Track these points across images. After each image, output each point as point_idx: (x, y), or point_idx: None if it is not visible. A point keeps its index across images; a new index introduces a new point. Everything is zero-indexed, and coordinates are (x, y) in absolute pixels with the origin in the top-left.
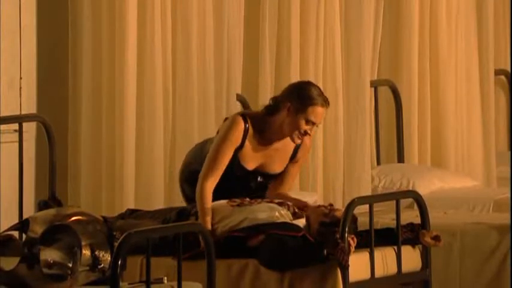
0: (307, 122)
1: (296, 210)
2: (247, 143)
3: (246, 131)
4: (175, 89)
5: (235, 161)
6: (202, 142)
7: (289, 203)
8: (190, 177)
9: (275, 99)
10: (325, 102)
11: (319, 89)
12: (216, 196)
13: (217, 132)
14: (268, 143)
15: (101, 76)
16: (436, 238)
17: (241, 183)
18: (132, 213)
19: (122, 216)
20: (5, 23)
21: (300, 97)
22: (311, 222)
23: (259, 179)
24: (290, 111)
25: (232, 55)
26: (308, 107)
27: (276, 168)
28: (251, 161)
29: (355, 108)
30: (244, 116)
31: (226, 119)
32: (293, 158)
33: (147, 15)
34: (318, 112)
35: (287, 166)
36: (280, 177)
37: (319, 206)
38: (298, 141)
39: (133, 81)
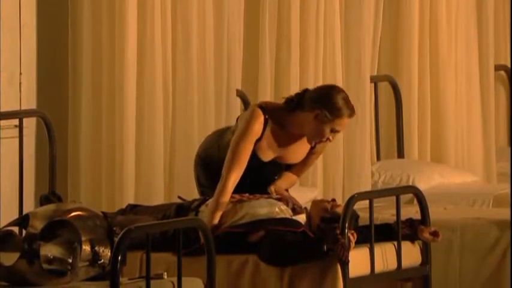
0: (332, 130)
1: (295, 206)
2: (265, 134)
3: (265, 123)
4: (175, 83)
5: (252, 152)
6: (222, 129)
7: (288, 199)
8: (205, 162)
9: (300, 96)
10: (353, 112)
11: (347, 96)
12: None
13: (237, 121)
14: (286, 136)
15: (101, 72)
16: (435, 234)
17: (254, 173)
18: (132, 208)
19: (122, 212)
20: (5, 18)
21: (330, 107)
22: (312, 216)
23: (273, 168)
24: (318, 118)
25: (232, 51)
26: (336, 119)
27: (293, 159)
28: (268, 153)
29: (355, 103)
30: (263, 107)
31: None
32: (312, 148)
33: (147, 12)
34: (344, 123)
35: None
36: (296, 165)
37: (321, 201)
38: (312, 145)
39: (133, 76)
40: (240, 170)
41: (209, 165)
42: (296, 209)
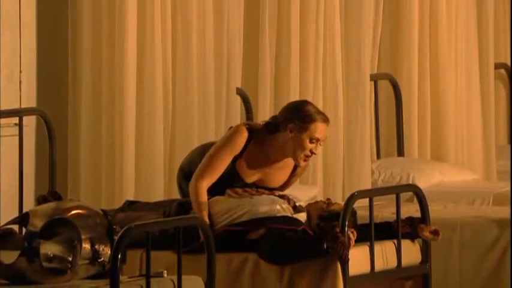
0: (312, 140)
1: (296, 204)
2: (246, 154)
3: (248, 142)
4: (175, 82)
5: (234, 171)
6: (206, 144)
7: (289, 196)
8: (188, 175)
9: (275, 118)
10: (326, 118)
11: (316, 106)
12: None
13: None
14: (267, 160)
15: (100, 70)
16: (435, 232)
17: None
18: (131, 204)
19: (121, 209)
20: (5, 16)
21: (300, 116)
22: (311, 216)
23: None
24: (293, 131)
25: (232, 49)
26: (310, 124)
27: (275, 183)
28: (250, 174)
29: (355, 101)
30: (249, 126)
31: (231, 127)
32: (293, 172)
33: (147, 9)
34: (320, 128)
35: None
36: (277, 189)
37: (316, 202)
38: (303, 164)
39: (133, 75)
40: (211, 178)
41: (191, 176)
42: (297, 207)
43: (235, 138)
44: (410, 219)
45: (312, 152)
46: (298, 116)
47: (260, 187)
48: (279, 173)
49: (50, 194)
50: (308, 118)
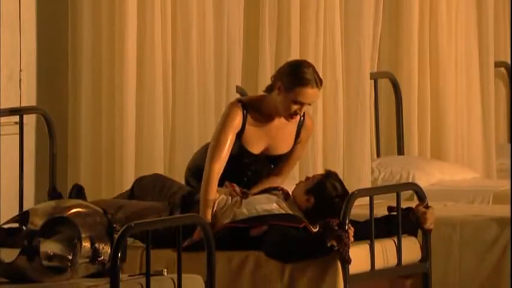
0: (295, 102)
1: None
2: (247, 127)
3: (244, 117)
4: (175, 81)
5: (241, 147)
6: (209, 143)
7: (283, 188)
8: (195, 172)
9: (272, 77)
10: (316, 83)
11: (313, 69)
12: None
13: None
14: (268, 121)
15: (100, 68)
16: (426, 206)
17: (250, 169)
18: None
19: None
20: (5, 14)
21: (290, 77)
22: (296, 196)
23: (267, 163)
24: (280, 90)
25: (232, 48)
26: (296, 88)
27: (282, 149)
28: (256, 144)
29: (355, 100)
30: (241, 101)
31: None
32: (297, 138)
33: (146, 8)
34: (306, 93)
35: (292, 147)
36: (285, 157)
37: (297, 184)
38: (291, 120)
39: (132, 73)
40: (221, 161)
41: (199, 172)
42: (289, 198)
43: (231, 118)
44: (409, 209)
45: (296, 113)
46: (288, 77)
47: (269, 156)
48: (283, 136)
49: (50, 192)
50: (296, 81)
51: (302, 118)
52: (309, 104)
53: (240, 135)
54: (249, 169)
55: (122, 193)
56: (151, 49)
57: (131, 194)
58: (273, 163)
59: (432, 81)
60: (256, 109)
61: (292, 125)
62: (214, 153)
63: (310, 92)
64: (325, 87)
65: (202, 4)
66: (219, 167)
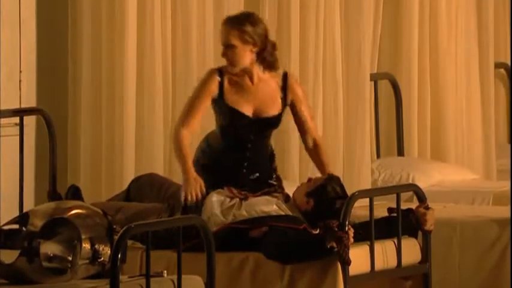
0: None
1: (290, 196)
2: (227, 89)
3: (221, 81)
4: (174, 83)
5: (230, 110)
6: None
7: (279, 189)
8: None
9: None
10: (225, 20)
11: (239, 14)
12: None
13: None
14: (246, 81)
15: (100, 69)
16: (426, 208)
17: (247, 134)
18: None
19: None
20: (4, 15)
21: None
22: (297, 199)
23: (262, 130)
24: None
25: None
26: None
27: (272, 110)
28: (243, 105)
29: (355, 101)
30: (218, 68)
31: None
32: (286, 102)
33: (146, 9)
34: (220, 31)
35: (295, 115)
36: (299, 127)
37: (298, 187)
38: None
39: (132, 74)
40: (192, 125)
41: (198, 165)
42: (289, 199)
43: (205, 83)
44: (409, 210)
45: (222, 55)
46: None
47: (263, 119)
48: (267, 96)
49: (50, 192)
50: None
51: (285, 79)
52: (228, 45)
53: (222, 98)
54: (248, 140)
55: (117, 194)
56: (151, 49)
57: (127, 194)
58: (268, 128)
59: (432, 82)
60: (233, 72)
61: (273, 83)
62: (183, 118)
63: (221, 29)
64: (325, 88)
65: (202, 4)
66: (187, 133)
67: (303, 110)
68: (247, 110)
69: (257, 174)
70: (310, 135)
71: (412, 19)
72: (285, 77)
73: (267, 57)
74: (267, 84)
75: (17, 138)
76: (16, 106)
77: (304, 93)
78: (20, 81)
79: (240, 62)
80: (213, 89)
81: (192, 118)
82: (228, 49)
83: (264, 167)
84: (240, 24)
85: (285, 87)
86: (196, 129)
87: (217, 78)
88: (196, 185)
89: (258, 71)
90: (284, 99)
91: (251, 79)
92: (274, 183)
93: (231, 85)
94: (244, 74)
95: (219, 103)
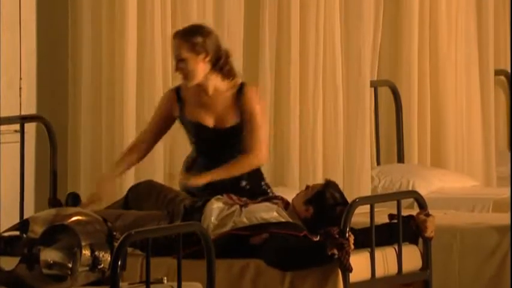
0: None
1: (288, 200)
2: (187, 103)
3: (179, 97)
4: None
5: (192, 123)
6: None
7: (278, 196)
8: None
9: None
10: (174, 33)
11: (192, 25)
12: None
13: None
14: (204, 94)
15: (100, 76)
16: (427, 215)
17: (213, 146)
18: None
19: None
20: (5, 23)
21: None
22: (296, 207)
23: (225, 138)
24: None
25: (232, 53)
26: None
27: (231, 119)
28: (205, 117)
29: (355, 108)
30: (176, 87)
31: None
32: (240, 107)
33: (147, 14)
34: (171, 46)
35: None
36: (242, 131)
37: (297, 194)
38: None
39: (133, 81)
40: (140, 136)
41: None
42: (289, 207)
43: (158, 104)
44: (410, 217)
45: (176, 69)
46: None
47: (224, 129)
48: (223, 106)
49: (50, 199)
50: None
51: (240, 87)
52: (181, 58)
53: (184, 114)
54: (217, 151)
55: (116, 201)
56: (152, 57)
57: (126, 202)
58: (231, 138)
59: (432, 89)
60: (189, 85)
61: (229, 94)
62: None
63: (174, 43)
64: (325, 94)
65: (202, 6)
66: (133, 146)
67: (247, 122)
68: (209, 122)
69: (244, 182)
70: (242, 146)
71: (412, 26)
72: (241, 87)
73: (222, 67)
74: (224, 94)
75: (18, 145)
76: (16, 113)
77: (256, 107)
78: (20, 88)
79: (194, 74)
80: (169, 108)
81: (142, 136)
82: (180, 63)
83: (243, 176)
84: (190, 36)
85: (239, 98)
86: (145, 148)
87: (174, 97)
88: (99, 190)
89: (215, 81)
90: (239, 106)
91: (207, 90)
92: (268, 190)
93: (190, 100)
94: (201, 86)
95: (183, 120)
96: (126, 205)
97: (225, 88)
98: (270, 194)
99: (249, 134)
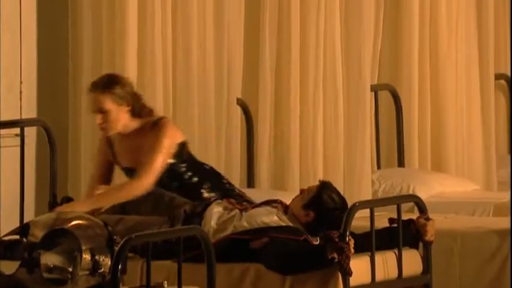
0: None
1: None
2: (116, 151)
3: (109, 141)
4: (175, 92)
5: (125, 169)
6: None
7: (277, 199)
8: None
9: None
10: (91, 86)
11: (103, 76)
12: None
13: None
14: (131, 135)
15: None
16: (427, 219)
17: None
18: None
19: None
20: (5, 27)
21: None
22: (295, 212)
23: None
24: None
25: (233, 59)
26: None
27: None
28: (131, 160)
29: (356, 112)
30: (106, 136)
31: None
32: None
33: (147, 20)
34: (88, 99)
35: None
36: None
37: (293, 199)
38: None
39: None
40: (92, 177)
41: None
42: (288, 211)
43: (97, 148)
44: (410, 221)
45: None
46: None
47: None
48: (148, 141)
49: (51, 203)
50: None
51: (155, 121)
52: (98, 111)
53: (117, 162)
54: (166, 185)
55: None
56: (152, 62)
57: (122, 205)
58: (168, 168)
59: (432, 93)
60: (112, 134)
61: (147, 132)
62: None
63: (89, 97)
64: (326, 99)
65: (203, 14)
66: (88, 189)
67: (150, 149)
68: (125, 163)
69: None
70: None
71: (413, 30)
72: (157, 121)
73: (140, 110)
74: (145, 134)
75: (18, 149)
76: (17, 117)
77: (164, 139)
78: (20, 91)
79: (118, 124)
80: (104, 154)
81: (92, 183)
82: (102, 114)
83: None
84: (109, 87)
85: (154, 130)
86: (95, 178)
87: (107, 144)
88: None
89: (135, 125)
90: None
91: (129, 135)
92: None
93: (118, 146)
94: (123, 133)
95: (117, 165)
96: (123, 209)
97: (144, 128)
98: (236, 191)
99: (146, 160)
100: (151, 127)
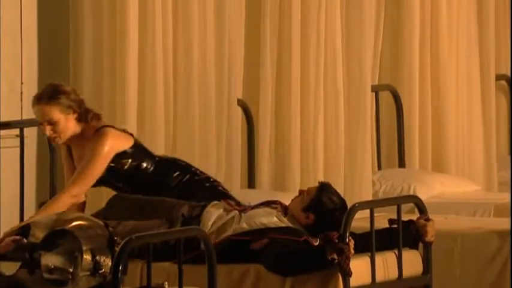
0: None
1: (286, 206)
2: (73, 153)
3: (67, 147)
4: (176, 93)
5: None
6: None
7: (276, 200)
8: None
9: None
10: (36, 99)
11: (48, 86)
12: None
13: None
14: (79, 145)
15: (102, 82)
16: (427, 219)
17: (118, 184)
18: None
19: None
20: (6, 28)
21: None
22: (295, 214)
23: (115, 173)
24: None
25: (233, 60)
26: None
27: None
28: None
29: (356, 113)
30: (64, 143)
31: None
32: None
33: (148, 20)
34: (35, 112)
35: None
36: None
37: (292, 200)
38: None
39: (134, 86)
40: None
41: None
42: (288, 211)
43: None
44: (410, 222)
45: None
46: None
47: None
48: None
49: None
50: None
51: (98, 129)
52: (47, 122)
53: (75, 163)
54: (122, 188)
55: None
56: (153, 62)
57: (106, 209)
58: (118, 170)
59: (433, 94)
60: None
61: (91, 140)
62: None
63: (35, 109)
64: (326, 100)
65: (203, 15)
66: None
67: (84, 157)
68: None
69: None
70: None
71: (413, 31)
72: (98, 129)
73: (86, 116)
74: (85, 140)
75: (18, 150)
76: (18, 118)
77: (100, 147)
78: (21, 92)
79: (67, 133)
80: (69, 162)
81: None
82: (51, 125)
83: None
84: (55, 98)
85: (94, 137)
86: (78, 203)
87: (67, 150)
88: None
89: (84, 130)
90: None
91: (78, 141)
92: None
93: (74, 153)
94: (73, 139)
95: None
96: (109, 212)
97: (86, 135)
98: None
99: (77, 170)
100: (92, 135)
